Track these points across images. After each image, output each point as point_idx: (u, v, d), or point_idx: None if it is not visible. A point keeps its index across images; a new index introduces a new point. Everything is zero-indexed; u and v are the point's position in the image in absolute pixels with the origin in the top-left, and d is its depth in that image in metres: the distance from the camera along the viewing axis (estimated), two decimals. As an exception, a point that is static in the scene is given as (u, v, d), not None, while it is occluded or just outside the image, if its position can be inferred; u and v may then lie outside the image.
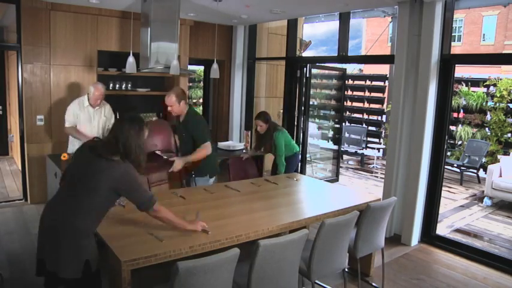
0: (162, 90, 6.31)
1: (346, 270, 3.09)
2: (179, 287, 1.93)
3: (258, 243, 2.21)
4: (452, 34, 4.53)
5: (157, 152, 3.93)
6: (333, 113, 7.80)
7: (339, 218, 2.74)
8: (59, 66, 5.08)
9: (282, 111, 6.42)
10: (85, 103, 4.43)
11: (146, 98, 6.16)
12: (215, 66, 4.86)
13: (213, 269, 2.04)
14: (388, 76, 10.86)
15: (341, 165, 8.09)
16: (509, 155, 7.86)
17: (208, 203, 3.16)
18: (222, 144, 5.57)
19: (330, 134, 8.21)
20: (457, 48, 16.01)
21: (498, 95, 8.40)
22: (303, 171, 6.20)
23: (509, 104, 8.33)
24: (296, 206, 3.33)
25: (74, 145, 4.44)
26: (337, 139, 7.61)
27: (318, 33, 14.21)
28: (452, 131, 9.02)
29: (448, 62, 4.17)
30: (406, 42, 4.23)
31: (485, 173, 6.69)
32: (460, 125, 9.13)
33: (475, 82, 9.30)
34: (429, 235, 4.41)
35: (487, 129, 8.71)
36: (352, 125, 11.11)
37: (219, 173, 4.14)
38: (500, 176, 6.40)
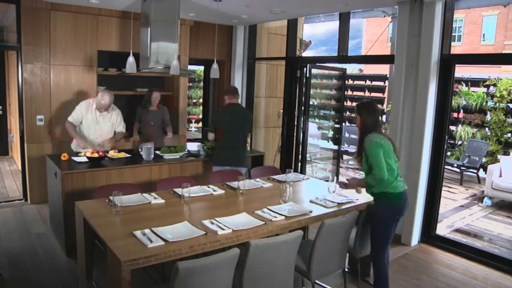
0: (162, 90, 6.31)
1: (346, 270, 3.08)
2: (179, 287, 1.93)
3: (249, 243, 2.22)
4: (452, 34, 4.53)
5: None
6: (332, 113, 7.80)
7: (339, 218, 2.74)
8: (59, 66, 5.08)
9: (282, 111, 6.42)
10: (93, 106, 4.46)
11: (146, 98, 6.15)
12: (215, 66, 4.85)
13: (213, 269, 2.04)
14: (388, 76, 10.88)
15: (341, 165, 8.08)
16: (509, 155, 7.86)
17: (208, 203, 3.17)
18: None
19: (330, 134, 8.21)
20: (457, 48, 16.01)
21: (498, 95, 8.41)
22: (302, 171, 6.20)
23: (509, 104, 8.34)
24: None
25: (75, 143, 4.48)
26: (337, 139, 7.61)
27: (318, 33, 14.23)
28: (452, 131, 9.02)
29: (448, 62, 4.17)
30: (406, 42, 4.23)
31: (485, 173, 6.69)
32: (460, 125, 9.13)
33: (475, 82, 9.31)
34: (429, 235, 4.41)
35: (487, 129, 8.72)
36: (352, 125, 11.10)
37: None
38: (500, 176, 6.40)
